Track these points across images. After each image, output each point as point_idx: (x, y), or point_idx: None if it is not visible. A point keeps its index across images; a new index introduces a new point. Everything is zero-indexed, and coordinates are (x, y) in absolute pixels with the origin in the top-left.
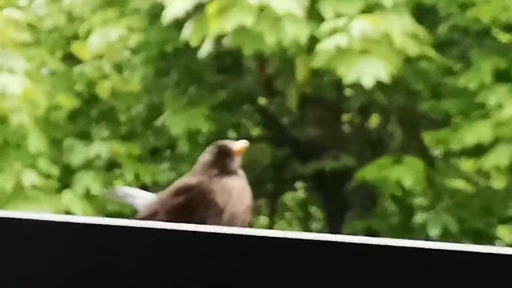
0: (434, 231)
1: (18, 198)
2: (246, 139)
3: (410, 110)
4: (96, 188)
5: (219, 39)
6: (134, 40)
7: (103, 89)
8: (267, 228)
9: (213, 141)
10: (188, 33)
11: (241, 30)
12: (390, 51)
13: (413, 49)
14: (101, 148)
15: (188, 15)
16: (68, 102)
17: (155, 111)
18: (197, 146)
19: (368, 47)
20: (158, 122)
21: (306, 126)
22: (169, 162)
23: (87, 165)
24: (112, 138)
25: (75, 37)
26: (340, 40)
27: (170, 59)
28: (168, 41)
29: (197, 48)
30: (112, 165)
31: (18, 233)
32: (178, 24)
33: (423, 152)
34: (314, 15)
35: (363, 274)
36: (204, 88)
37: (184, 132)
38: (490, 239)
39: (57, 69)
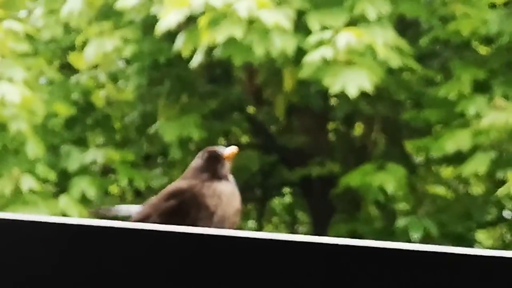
0: (415, 235)
1: (17, 202)
2: (236, 146)
3: (393, 119)
4: (92, 193)
5: (210, 50)
6: (129, 50)
7: (99, 98)
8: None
9: (204, 148)
10: (180, 44)
11: (231, 42)
12: (374, 62)
13: (395, 60)
14: (96, 154)
15: (180, 27)
16: (64, 110)
17: (148, 119)
18: (189, 152)
19: (352, 58)
20: (151, 129)
21: (293, 134)
22: (162, 168)
23: (83, 170)
24: (107, 145)
25: (72, 47)
26: (326, 52)
27: (163, 69)
28: (161, 51)
29: (189, 59)
30: (107, 171)
31: (15, 234)
32: (171, 35)
33: (405, 159)
34: (301, 27)
35: (348, 274)
36: (196, 97)
37: (176, 139)
38: (469, 243)
39: (54, 78)
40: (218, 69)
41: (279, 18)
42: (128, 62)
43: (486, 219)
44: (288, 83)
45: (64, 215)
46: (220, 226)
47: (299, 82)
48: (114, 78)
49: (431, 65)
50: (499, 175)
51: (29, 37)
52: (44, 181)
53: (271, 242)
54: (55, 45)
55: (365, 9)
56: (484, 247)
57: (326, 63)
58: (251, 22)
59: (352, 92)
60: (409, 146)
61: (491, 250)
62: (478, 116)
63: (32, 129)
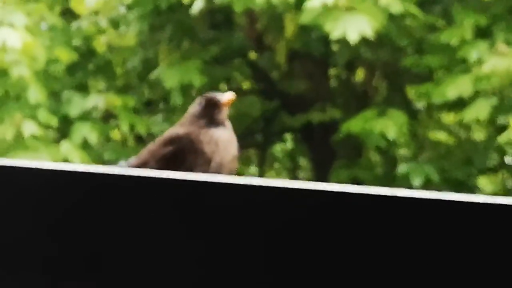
0: (416, 181)
1: (18, 148)
2: (237, 92)
3: (394, 65)
4: (93, 138)
5: None
6: None
7: (100, 44)
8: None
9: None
10: None
11: None
12: (375, 8)
13: (397, 6)
14: (98, 100)
15: None
16: (66, 56)
17: (149, 65)
18: (190, 98)
19: (353, 4)
20: (153, 75)
21: (295, 80)
22: (163, 113)
23: (85, 116)
24: (109, 91)
25: None
26: None
27: (164, 15)
28: None
29: (190, 5)
30: (108, 116)
31: (14, 180)
32: None
33: (406, 105)
34: None
35: (350, 222)
36: (197, 43)
37: (177, 85)
38: (471, 189)
39: (56, 24)
40: (219, 15)
41: None
42: (129, 7)
43: (487, 165)
44: (289, 29)
45: (66, 160)
46: (218, 172)
47: (300, 28)
48: (115, 24)
49: (433, 11)
50: (501, 121)
51: None
52: (46, 126)
53: (270, 188)
54: None
55: None
56: (485, 193)
57: (327, 9)
58: None
59: (353, 37)
60: (410, 92)
61: (493, 197)
62: (479, 62)
63: (33, 75)
